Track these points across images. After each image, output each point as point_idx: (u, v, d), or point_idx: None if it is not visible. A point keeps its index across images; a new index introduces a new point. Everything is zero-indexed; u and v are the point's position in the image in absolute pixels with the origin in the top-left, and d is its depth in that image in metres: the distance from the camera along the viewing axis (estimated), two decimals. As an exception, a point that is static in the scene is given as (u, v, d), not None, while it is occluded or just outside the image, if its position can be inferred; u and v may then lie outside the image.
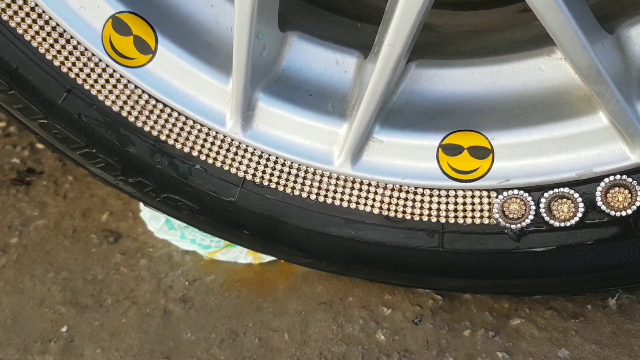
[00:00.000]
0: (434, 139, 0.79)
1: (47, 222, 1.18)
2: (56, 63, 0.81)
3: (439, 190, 0.80)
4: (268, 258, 1.07)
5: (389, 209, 0.82)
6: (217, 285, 1.04)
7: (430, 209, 0.81)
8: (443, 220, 0.81)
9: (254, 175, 0.84)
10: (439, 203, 0.81)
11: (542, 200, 0.77)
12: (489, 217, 0.80)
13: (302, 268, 1.07)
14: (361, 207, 0.83)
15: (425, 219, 0.82)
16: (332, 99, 0.82)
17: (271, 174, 0.84)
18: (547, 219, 0.77)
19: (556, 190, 0.76)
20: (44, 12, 0.78)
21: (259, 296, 1.03)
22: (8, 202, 1.23)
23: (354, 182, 0.83)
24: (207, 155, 0.84)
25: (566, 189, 0.76)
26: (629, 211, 0.74)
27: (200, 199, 0.88)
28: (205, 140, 0.83)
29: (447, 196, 0.80)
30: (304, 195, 0.84)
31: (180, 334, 0.96)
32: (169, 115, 0.82)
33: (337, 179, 0.83)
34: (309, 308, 1.01)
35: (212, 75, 0.80)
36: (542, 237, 0.79)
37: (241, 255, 1.07)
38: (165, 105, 0.82)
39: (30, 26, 0.79)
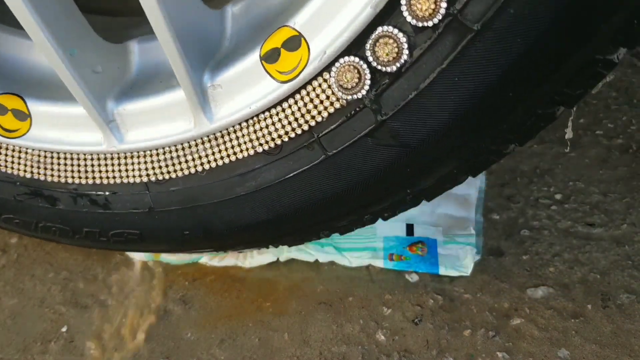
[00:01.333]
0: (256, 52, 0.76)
1: (47, 222, 1.22)
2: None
3: (280, 104, 0.76)
4: (267, 260, 1.06)
5: (261, 144, 0.79)
6: (217, 285, 1.04)
7: (279, 123, 0.77)
8: (306, 127, 0.76)
9: (148, 175, 0.86)
10: (286, 116, 0.76)
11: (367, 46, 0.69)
12: (337, 100, 0.73)
13: (301, 268, 1.06)
14: (235, 157, 0.81)
15: (293, 135, 0.77)
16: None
17: (159, 167, 0.85)
18: (377, 66, 0.69)
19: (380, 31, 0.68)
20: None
21: (259, 296, 1.01)
22: (9, 202, 1.28)
23: (215, 136, 0.82)
24: (107, 178, 0.88)
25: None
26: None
27: (132, 221, 0.91)
28: (99, 165, 0.87)
29: (289, 107, 0.75)
30: (194, 171, 0.84)
31: (180, 334, 0.97)
32: (65, 159, 0.88)
33: (202, 141, 0.82)
34: (309, 308, 0.99)
35: (73, 108, 0.85)
36: (396, 90, 0.70)
37: (238, 261, 1.07)
38: (58, 152, 0.88)
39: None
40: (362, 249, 1.07)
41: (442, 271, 1.03)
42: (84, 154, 0.87)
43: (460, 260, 1.04)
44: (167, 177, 0.85)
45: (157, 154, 0.85)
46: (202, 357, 0.93)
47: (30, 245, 1.17)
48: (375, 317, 0.97)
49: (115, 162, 0.87)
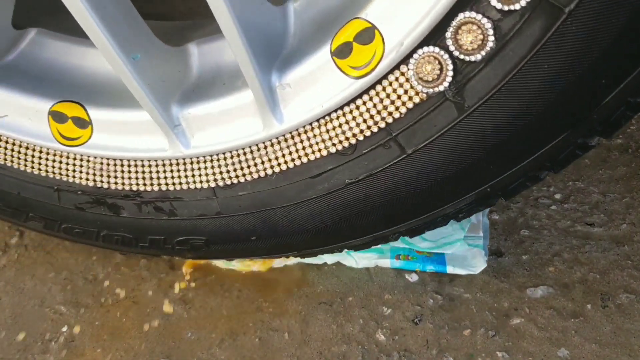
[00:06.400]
0: (325, 48, 0.73)
1: (48, 222, 1.18)
2: (36, 172, 0.87)
3: (353, 101, 0.71)
4: (276, 264, 1.02)
5: (334, 144, 0.75)
6: (217, 285, 0.99)
7: (353, 121, 0.72)
8: (383, 124, 0.70)
9: (216, 180, 0.80)
10: (360, 114, 0.71)
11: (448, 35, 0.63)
12: (417, 94, 0.67)
13: (301, 268, 1.02)
14: (307, 159, 0.77)
15: (369, 133, 0.72)
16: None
17: (227, 171, 0.79)
18: (459, 55, 0.64)
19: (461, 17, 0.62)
20: (8, 138, 0.85)
21: (259, 296, 0.96)
22: (9, 202, 1.23)
23: (284, 137, 0.77)
24: (174, 184, 0.82)
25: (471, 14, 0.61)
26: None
27: (199, 227, 0.86)
28: (164, 171, 0.82)
29: (364, 103, 0.71)
30: (263, 174, 0.79)
31: (180, 333, 0.91)
32: (129, 166, 0.83)
33: (272, 143, 0.77)
34: (309, 308, 0.94)
35: (135, 113, 0.80)
36: (481, 80, 0.65)
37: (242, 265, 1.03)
38: (122, 159, 0.83)
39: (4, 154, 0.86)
40: (370, 249, 1.03)
41: (450, 270, 0.99)
42: (147, 160, 0.81)
43: (468, 260, 1.01)
44: (235, 181, 0.79)
45: (225, 158, 0.78)
46: (202, 357, 0.88)
47: (31, 246, 1.11)
48: (375, 317, 0.92)
49: (182, 167, 0.81)
